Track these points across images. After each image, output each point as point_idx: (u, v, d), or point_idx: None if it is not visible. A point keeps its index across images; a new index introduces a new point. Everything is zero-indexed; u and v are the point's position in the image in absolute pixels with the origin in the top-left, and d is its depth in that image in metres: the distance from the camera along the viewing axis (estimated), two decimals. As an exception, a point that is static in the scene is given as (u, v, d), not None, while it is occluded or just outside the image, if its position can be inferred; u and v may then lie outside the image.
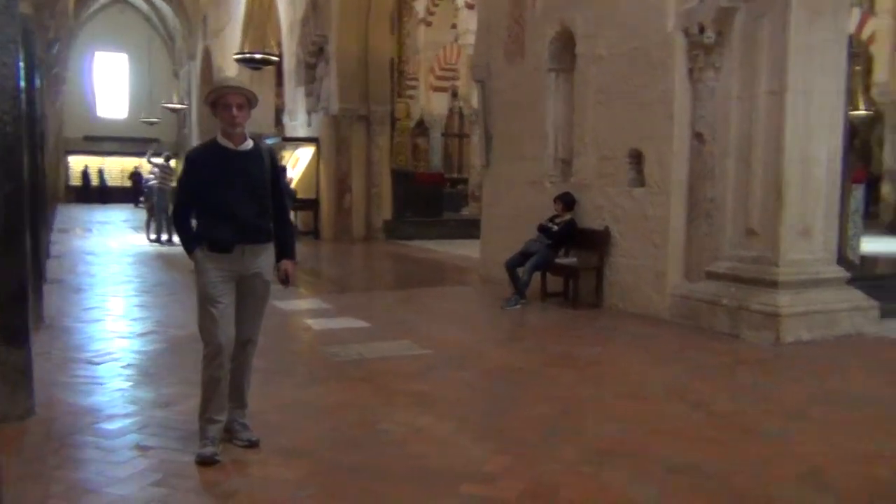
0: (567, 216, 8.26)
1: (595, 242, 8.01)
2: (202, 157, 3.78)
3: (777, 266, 6.41)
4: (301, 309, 7.55)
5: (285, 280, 3.94)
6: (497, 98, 10.03)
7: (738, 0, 6.78)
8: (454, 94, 27.16)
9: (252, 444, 3.78)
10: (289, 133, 19.17)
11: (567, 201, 8.30)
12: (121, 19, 39.09)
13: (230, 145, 3.73)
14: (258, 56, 16.50)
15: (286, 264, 3.94)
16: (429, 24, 25.95)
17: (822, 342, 6.23)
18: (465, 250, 13.76)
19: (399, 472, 3.52)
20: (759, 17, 6.63)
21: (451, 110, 27.30)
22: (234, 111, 3.66)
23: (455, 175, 26.57)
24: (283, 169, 14.11)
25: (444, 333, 6.79)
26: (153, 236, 15.69)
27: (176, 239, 15.29)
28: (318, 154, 16.75)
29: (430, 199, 17.01)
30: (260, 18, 21.88)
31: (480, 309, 8.04)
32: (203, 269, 3.69)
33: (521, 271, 8.09)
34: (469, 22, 23.05)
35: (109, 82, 39.83)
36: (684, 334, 6.65)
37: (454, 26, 24.96)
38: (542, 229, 8.28)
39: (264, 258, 3.81)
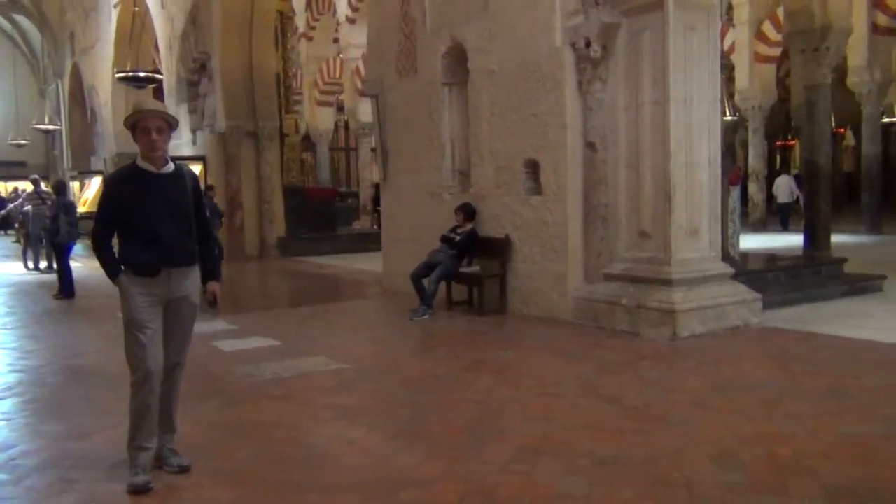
0: (468, 226, 8.47)
1: (497, 250, 8.24)
2: (123, 181, 3.73)
3: (669, 265, 6.81)
4: (206, 331, 7.38)
5: (213, 302, 3.93)
6: (391, 112, 10.17)
7: (620, 16, 7.19)
8: (340, 108, 27.12)
9: (184, 469, 3.73)
10: (172, 152, 18.40)
11: (468, 211, 8.51)
12: (-23, 36, 36.91)
13: (151, 168, 3.69)
14: (142, 74, 15.97)
15: (213, 286, 3.94)
16: (310, 38, 25.81)
17: (714, 334, 6.67)
18: (362, 264, 13.80)
19: (336, 485, 3.57)
20: (639, 31, 7.05)
21: (336, 124, 27.25)
22: (154, 135, 3.63)
23: (344, 189, 26.54)
24: (211, 188, 13.72)
25: (357, 347, 6.83)
26: (31, 264, 14.91)
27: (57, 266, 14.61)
28: (205, 172, 16.37)
29: (323, 214, 16.93)
30: (134, 35, 21.21)
31: (389, 321, 8.13)
32: (129, 293, 3.63)
33: (426, 282, 8.23)
34: (351, 36, 23.12)
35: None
36: (588, 334, 6.95)
37: (336, 41, 24.96)
38: (445, 240, 8.45)
39: (191, 281, 3.79)
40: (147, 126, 3.62)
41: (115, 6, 22.53)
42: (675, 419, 4.43)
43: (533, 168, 7.95)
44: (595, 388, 5.12)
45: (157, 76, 16.52)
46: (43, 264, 14.64)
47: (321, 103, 25.81)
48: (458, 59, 8.99)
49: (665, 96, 6.83)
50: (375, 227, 21.30)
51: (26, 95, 34.90)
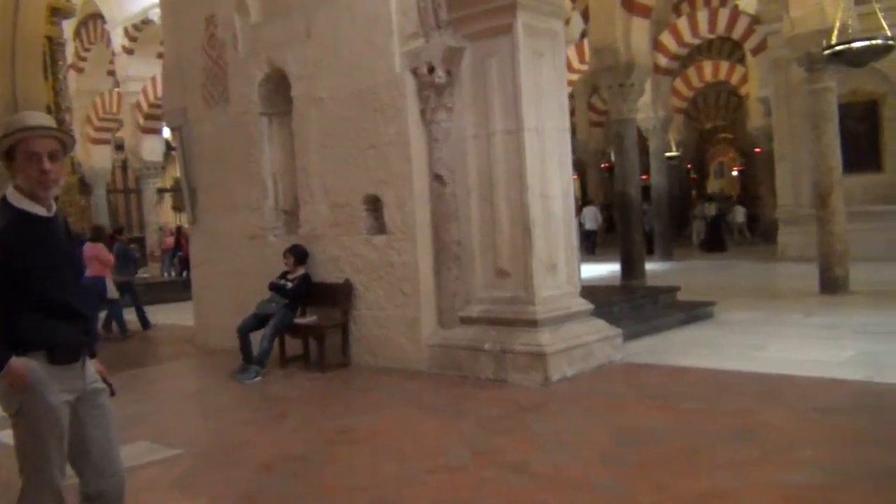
0: (300, 271, 7.56)
1: (336, 297, 7.40)
2: (13, 233, 2.56)
3: (534, 304, 6.35)
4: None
5: (108, 387, 2.84)
6: (199, 146, 9.03)
7: (464, 40, 6.73)
8: (118, 147, 24.86)
9: None
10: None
11: (298, 254, 7.60)
12: None
13: (41, 211, 2.62)
14: None
15: (99, 366, 2.85)
16: (80, 70, 23.49)
17: (584, 376, 6.27)
18: (162, 317, 12.28)
19: None
20: (486, 56, 6.62)
21: (114, 164, 24.91)
22: (46, 163, 2.57)
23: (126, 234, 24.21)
24: (121, 230, 11.92)
25: (186, 424, 5.70)
26: None
27: None
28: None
29: (109, 263, 14.97)
30: None
31: (215, 386, 6.95)
32: (43, 389, 2.54)
33: (250, 337, 7.20)
34: (129, 68, 21.33)
35: None
36: (450, 384, 6.30)
37: (111, 73, 22.84)
38: (276, 287, 7.48)
39: (90, 363, 2.78)
40: (35, 150, 2.57)
41: None
42: (598, 484, 3.86)
43: (374, 204, 7.24)
44: (491, 454, 4.45)
45: None
46: None
47: (96, 141, 23.51)
48: (278, 86, 8.11)
49: (518, 125, 6.42)
50: (167, 274, 19.53)
51: None
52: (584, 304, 6.84)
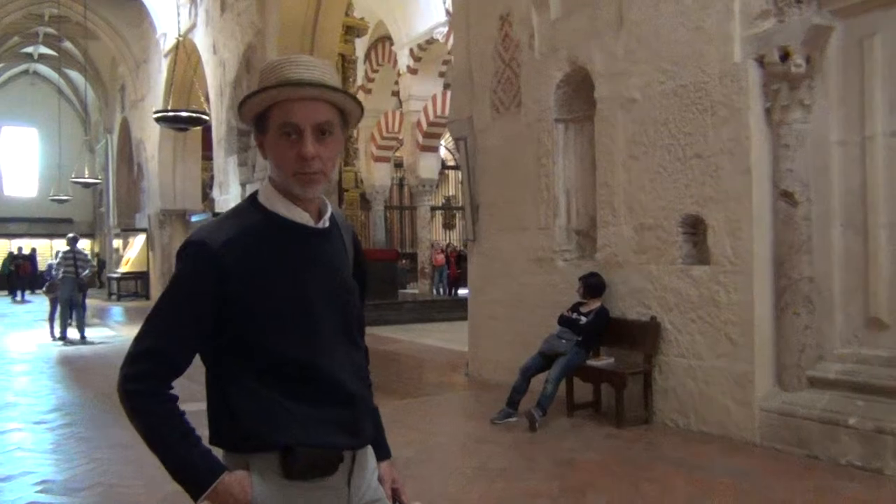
0: (596, 304, 6.37)
1: (638, 337, 6.11)
2: (243, 249, 1.53)
3: (928, 371, 4.61)
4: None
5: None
6: (485, 158, 8.20)
7: (831, 17, 5.17)
8: (397, 165, 25.60)
9: None
10: (220, 208, 17.04)
11: (595, 285, 6.42)
12: (31, 91, 36.45)
13: (306, 220, 1.61)
14: (185, 114, 14.32)
15: (389, 472, 1.78)
16: (368, 91, 24.46)
17: None
18: (429, 339, 11.76)
19: None
20: (865, 37, 5.01)
21: (391, 181, 25.67)
22: (309, 145, 1.51)
23: (401, 250, 24.82)
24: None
25: (462, 485, 4.67)
26: (58, 333, 13.16)
27: (75, 336, 12.79)
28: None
29: (385, 278, 14.98)
30: (184, 83, 19.88)
31: (492, 433, 5.90)
32: None
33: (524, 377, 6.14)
34: (412, 87, 21.67)
35: (18, 158, 37.00)
36: (797, 470, 4.74)
37: (395, 93, 23.49)
38: (567, 321, 6.36)
39: (373, 466, 1.71)
40: (293, 121, 1.51)
41: (165, 55, 21.39)
42: None
43: (694, 227, 5.87)
44: None
45: (204, 117, 14.92)
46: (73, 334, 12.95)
47: (378, 159, 24.34)
48: (577, 88, 7.04)
49: (913, 126, 4.74)
50: (436, 291, 19.39)
51: (73, 151, 33.40)
52: None
